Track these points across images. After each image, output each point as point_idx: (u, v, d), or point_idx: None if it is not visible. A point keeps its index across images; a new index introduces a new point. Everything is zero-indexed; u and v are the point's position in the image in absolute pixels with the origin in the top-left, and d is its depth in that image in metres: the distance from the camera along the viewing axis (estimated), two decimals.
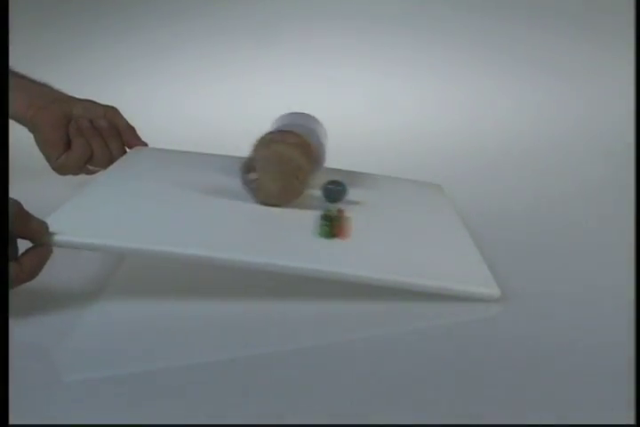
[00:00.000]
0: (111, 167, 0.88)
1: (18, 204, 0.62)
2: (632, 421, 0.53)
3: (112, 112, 0.94)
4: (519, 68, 1.51)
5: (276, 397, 0.56)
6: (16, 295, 0.63)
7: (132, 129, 0.95)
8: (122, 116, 0.95)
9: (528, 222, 1.00)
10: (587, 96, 1.45)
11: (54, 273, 0.67)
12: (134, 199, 0.79)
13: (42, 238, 0.64)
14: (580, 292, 0.76)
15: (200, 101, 1.48)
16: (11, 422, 0.50)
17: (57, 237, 0.65)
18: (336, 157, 0.94)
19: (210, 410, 0.54)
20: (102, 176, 0.86)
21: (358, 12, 1.54)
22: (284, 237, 0.76)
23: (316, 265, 0.70)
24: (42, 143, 0.90)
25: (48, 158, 0.92)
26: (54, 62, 1.48)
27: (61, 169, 0.92)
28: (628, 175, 1.11)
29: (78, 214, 0.73)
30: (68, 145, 0.91)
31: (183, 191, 0.83)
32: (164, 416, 0.53)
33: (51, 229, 0.65)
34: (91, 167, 0.93)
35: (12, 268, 0.61)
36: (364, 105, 1.48)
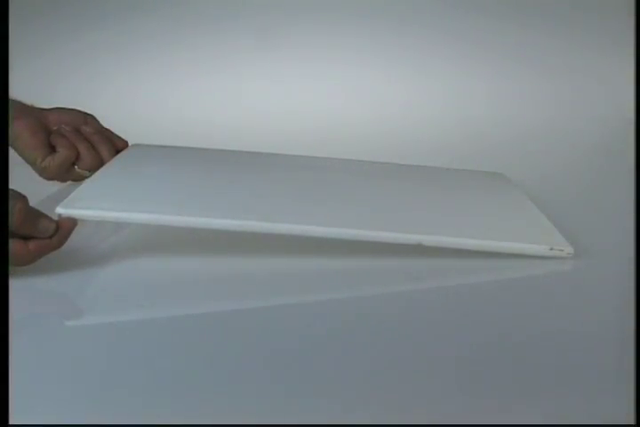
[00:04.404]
0: (113, 160, 0.90)
1: (22, 203, 0.65)
2: (632, 421, 0.53)
3: (90, 119, 0.94)
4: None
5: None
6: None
7: (113, 135, 0.95)
8: (99, 124, 0.94)
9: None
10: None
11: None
12: (147, 180, 0.83)
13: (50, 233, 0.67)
14: None
15: (192, 99, 1.48)
16: (11, 422, 0.50)
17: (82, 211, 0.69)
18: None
19: (216, 356, 0.58)
20: (106, 167, 0.88)
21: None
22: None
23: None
24: (23, 149, 0.89)
25: (32, 162, 0.90)
26: (40, 56, 1.48)
27: (47, 171, 0.90)
28: None
29: (96, 192, 0.76)
30: (52, 149, 0.90)
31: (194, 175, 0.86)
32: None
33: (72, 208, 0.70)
34: (79, 170, 0.92)
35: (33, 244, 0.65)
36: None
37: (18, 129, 0.88)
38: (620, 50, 1.44)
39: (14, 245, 0.64)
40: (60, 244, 0.68)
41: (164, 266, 0.75)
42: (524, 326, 0.67)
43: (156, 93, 1.47)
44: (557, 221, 0.82)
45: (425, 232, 0.73)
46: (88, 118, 0.93)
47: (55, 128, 0.91)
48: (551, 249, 0.74)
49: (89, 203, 0.72)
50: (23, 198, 0.66)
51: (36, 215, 0.66)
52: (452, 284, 0.73)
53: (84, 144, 0.90)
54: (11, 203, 0.64)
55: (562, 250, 0.74)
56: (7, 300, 0.60)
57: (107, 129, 0.95)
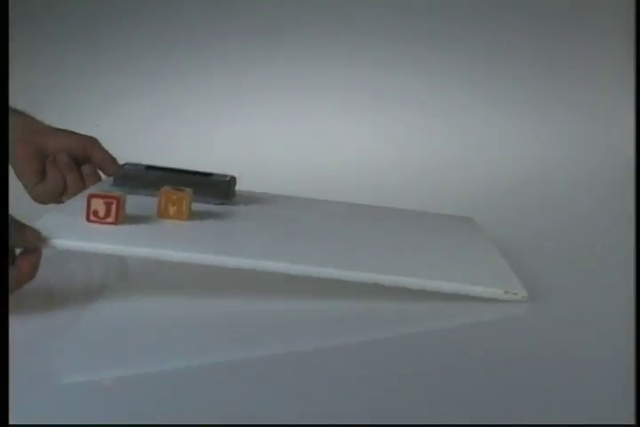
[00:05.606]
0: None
1: (10, 216, 0.66)
2: (632, 421, 0.53)
3: (90, 143, 0.93)
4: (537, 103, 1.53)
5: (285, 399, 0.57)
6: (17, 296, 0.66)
7: (112, 160, 0.93)
8: (101, 147, 0.93)
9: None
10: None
11: (54, 273, 0.72)
12: None
13: (37, 245, 0.67)
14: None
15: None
16: (11, 422, 0.50)
17: (54, 241, 0.68)
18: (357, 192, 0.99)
19: (209, 412, 0.54)
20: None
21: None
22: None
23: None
24: (18, 174, 0.92)
25: (25, 187, 0.93)
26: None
27: (37, 198, 0.93)
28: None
29: (69, 218, 0.75)
30: (44, 176, 0.92)
31: None
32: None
33: (44, 234, 0.68)
34: (65, 200, 0.92)
35: (12, 272, 0.65)
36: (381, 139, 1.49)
37: (15, 155, 0.90)
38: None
39: None
40: (34, 273, 0.67)
41: (152, 307, 0.73)
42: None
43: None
44: (523, 267, 0.82)
45: (383, 272, 0.74)
46: (88, 146, 0.92)
47: (50, 157, 0.91)
48: (505, 292, 0.75)
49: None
50: (9, 214, 0.67)
51: (21, 226, 0.67)
52: (407, 331, 0.72)
53: (72, 176, 0.91)
54: None
55: (515, 293, 0.75)
56: (7, 301, 0.61)
57: (107, 155, 0.93)
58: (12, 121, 0.88)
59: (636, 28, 1.28)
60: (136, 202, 0.80)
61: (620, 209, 1.13)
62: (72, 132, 0.94)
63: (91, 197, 0.74)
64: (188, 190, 0.81)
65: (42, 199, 0.93)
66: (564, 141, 1.44)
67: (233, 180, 0.91)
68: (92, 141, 0.93)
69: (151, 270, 0.81)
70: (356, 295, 0.75)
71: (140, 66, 1.56)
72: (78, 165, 0.92)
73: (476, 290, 0.74)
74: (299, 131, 1.48)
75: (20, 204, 0.72)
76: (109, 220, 0.74)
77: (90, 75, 1.53)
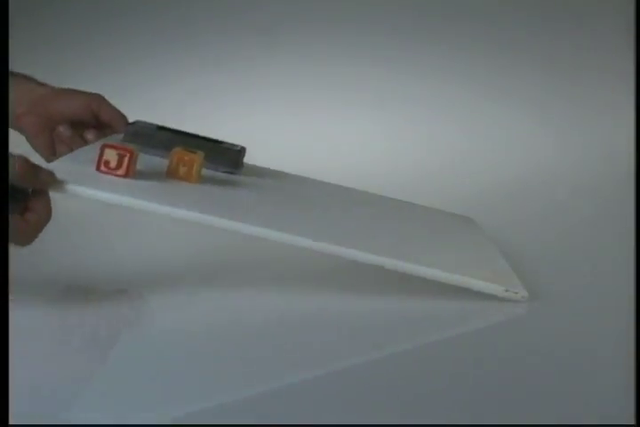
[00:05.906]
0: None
1: (24, 157, 0.65)
2: (632, 421, 0.53)
3: (97, 101, 0.90)
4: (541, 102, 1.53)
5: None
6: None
7: (120, 118, 0.91)
8: (108, 104, 0.91)
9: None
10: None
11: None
12: None
13: (51, 187, 0.66)
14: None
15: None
16: (11, 422, 0.49)
17: (67, 186, 0.67)
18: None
19: None
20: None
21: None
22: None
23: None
24: (31, 146, 0.91)
25: (41, 157, 0.91)
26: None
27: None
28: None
29: (78, 167, 0.74)
30: (55, 149, 0.91)
31: None
32: None
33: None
34: None
35: (31, 217, 0.65)
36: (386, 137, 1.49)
37: (24, 127, 0.89)
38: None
39: (14, 222, 0.64)
40: (50, 215, 0.67)
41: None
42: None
43: None
44: (523, 267, 0.82)
45: (389, 256, 0.74)
46: (94, 104, 0.90)
47: (56, 131, 0.90)
48: (506, 290, 0.74)
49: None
50: (23, 155, 0.66)
51: (35, 167, 0.66)
52: (406, 333, 0.72)
53: (78, 146, 0.89)
54: (11, 160, 0.64)
55: (516, 293, 0.75)
56: (7, 299, 0.60)
57: (115, 111, 0.91)
58: (13, 90, 0.86)
59: (637, 27, 1.29)
60: (144, 160, 0.79)
61: (621, 209, 1.13)
62: (76, 91, 0.91)
63: (104, 147, 0.73)
64: (200, 153, 0.79)
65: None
66: (564, 142, 1.45)
67: (243, 150, 0.89)
68: (98, 99, 0.90)
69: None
70: (355, 296, 0.75)
71: (138, 64, 1.55)
72: (87, 127, 0.89)
73: (477, 284, 0.74)
74: (299, 130, 1.48)
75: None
76: (119, 172, 0.73)
77: (89, 72, 1.52)
